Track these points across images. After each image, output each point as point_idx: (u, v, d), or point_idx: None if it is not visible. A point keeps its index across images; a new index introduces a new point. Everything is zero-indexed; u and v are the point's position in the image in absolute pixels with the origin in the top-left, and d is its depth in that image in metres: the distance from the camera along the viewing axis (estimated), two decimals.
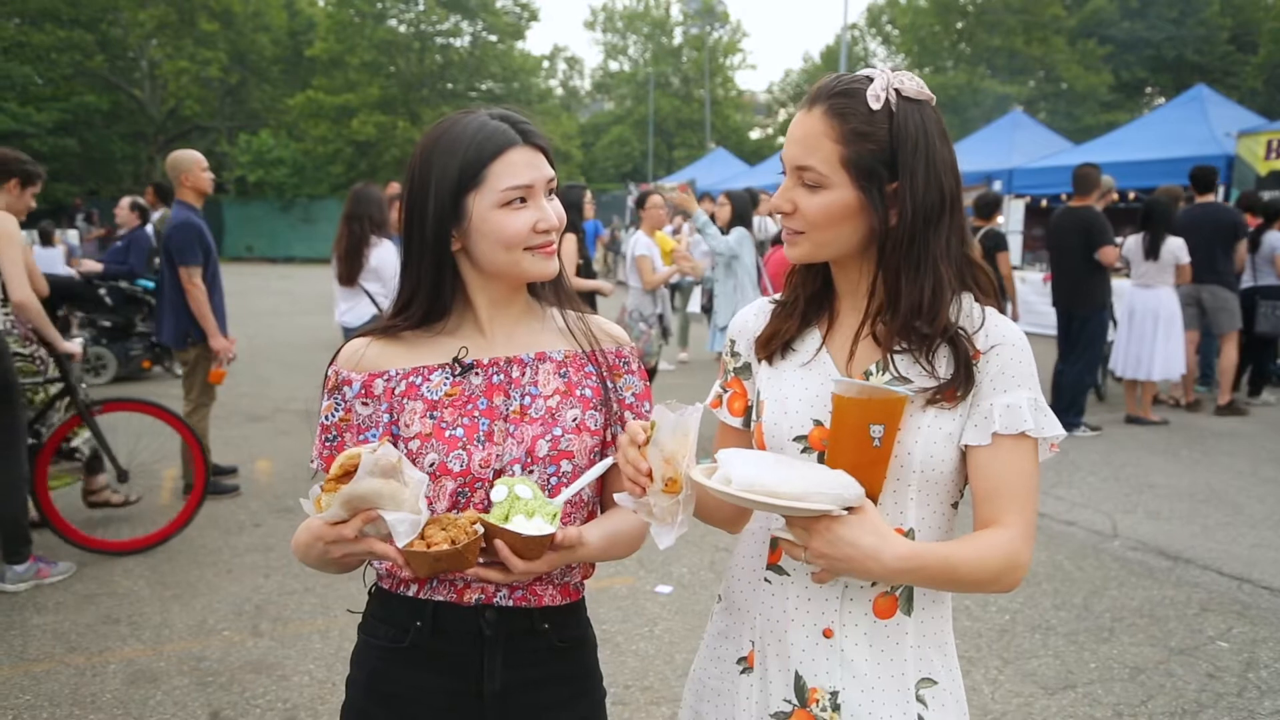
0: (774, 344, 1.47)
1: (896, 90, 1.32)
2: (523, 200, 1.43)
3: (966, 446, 1.35)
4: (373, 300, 5.91)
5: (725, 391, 1.56)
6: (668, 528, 1.28)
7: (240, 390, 8.58)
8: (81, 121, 34.09)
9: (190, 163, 5.56)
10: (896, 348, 1.35)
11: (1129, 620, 4.13)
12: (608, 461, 1.47)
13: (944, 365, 1.34)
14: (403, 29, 38.72)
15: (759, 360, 1.50)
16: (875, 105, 1.30)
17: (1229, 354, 8.29)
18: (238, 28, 35.87)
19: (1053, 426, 1.34)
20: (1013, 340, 1.36)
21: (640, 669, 3.65)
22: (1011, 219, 14.01)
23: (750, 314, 1.57)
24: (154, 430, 5.17)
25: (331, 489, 1.28)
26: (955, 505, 1.41)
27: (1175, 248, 7.77)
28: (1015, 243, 14.09)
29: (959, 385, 1.33)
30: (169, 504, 5.50)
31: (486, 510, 1.39)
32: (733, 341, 1.57)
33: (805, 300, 1.47)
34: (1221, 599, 4.36)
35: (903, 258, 1.33)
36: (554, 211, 1.47)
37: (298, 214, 34.37)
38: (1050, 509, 5.65)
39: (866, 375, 1.38)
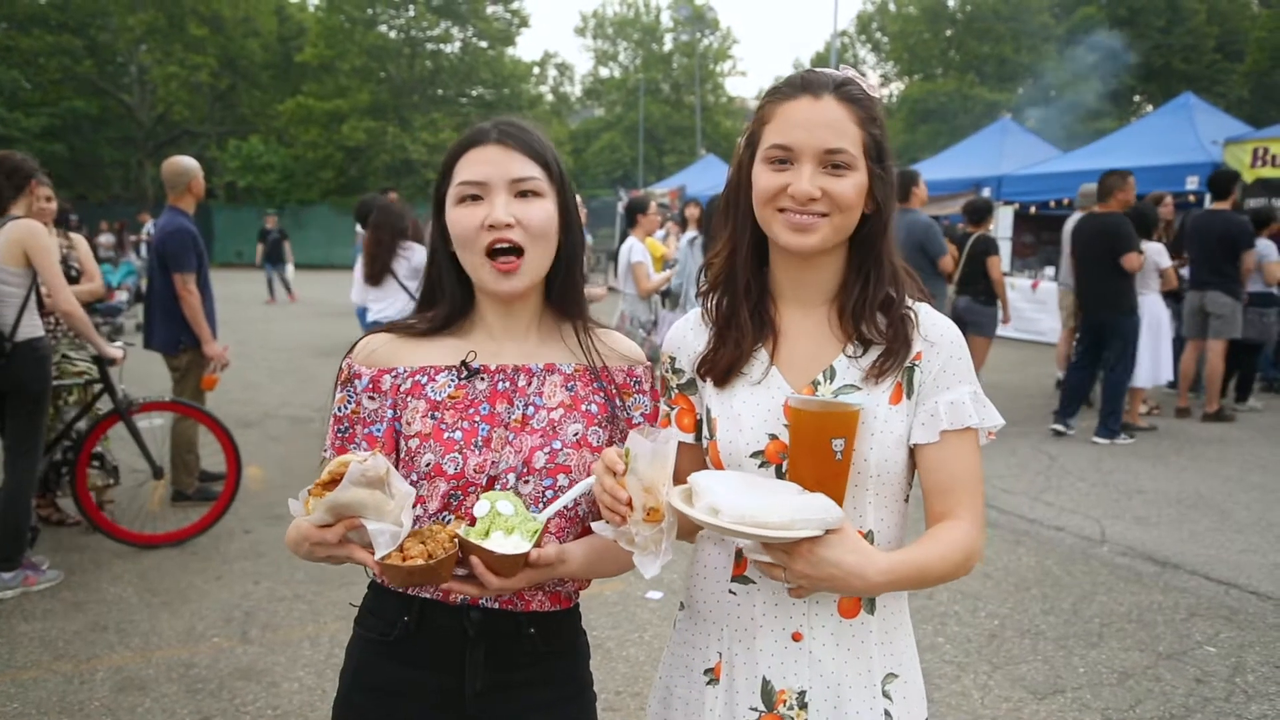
0: (733, 374, 1.45)
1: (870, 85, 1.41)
2: (476, 198, 1.43)
3: (915, 445, 1.39)
4: (412, 297, 6.00)
5: (672, 409, 1.54)
6: (652, 556, 1.27)
7: (230, 396, 8.54)
8: (70, 127, 33.97)
9: (197, 169, 5.69)
10: (862, 330, 1.40)
11: (1117, 625, 4.15)
12: (590, 480, 1.43)
13: (888, 339, 1.40)
14: (393, 35, 38.73)
15: (704, 380, 1.49)
16: (874, 95, 1.39)
17: (1215, 361, 8.34)
18: (227, 33, 35.81)
19: (993, 417, 1.40)
20: (951, 337, 1.41)
21: (631, 675, 3.65)
22: (1001, 226, 14.07)
23: (687, 329, 1.54)
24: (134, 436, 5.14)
25: (318, 494, 1.30)
26: (906, 499, 1.45)
27: (1152, 253, 7.79)
28: (1005, 249, 14.14)
29: (898, 353, 1.39)
30: (159, 511, 5.47)
31: (473, 519, 1.40)
32: (672, 359, 1.54)
33: (749, 318, 1.45)
34: (1209, 604, 4.39)
35: (883, 236, 1.42)
36: (513, 212, 1.42)
37: (287, 220, 34.25)
38: (1039, 514, 5.68)
39: (815, 386, 1.40)
